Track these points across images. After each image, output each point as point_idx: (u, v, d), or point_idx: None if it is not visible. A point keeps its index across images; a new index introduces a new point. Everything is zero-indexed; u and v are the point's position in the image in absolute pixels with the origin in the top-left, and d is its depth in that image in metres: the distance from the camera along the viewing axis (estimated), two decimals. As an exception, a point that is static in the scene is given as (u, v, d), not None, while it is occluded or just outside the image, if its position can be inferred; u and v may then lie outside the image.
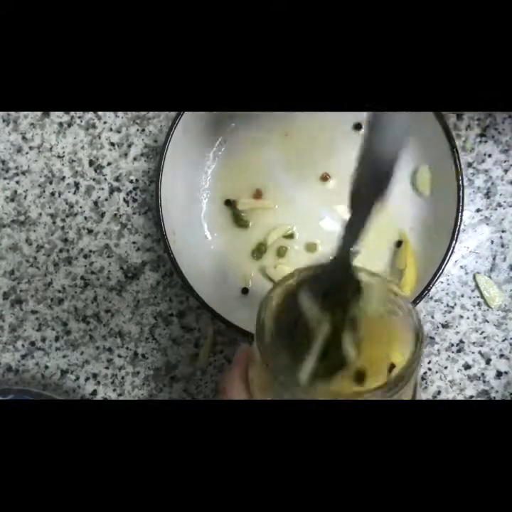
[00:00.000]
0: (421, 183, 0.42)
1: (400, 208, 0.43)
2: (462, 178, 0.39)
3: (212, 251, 0.44)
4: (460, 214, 0.39)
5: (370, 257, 0.43)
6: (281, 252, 0.44)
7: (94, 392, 0.46)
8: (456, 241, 0.39)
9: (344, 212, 0.44)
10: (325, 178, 0.44)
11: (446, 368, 0.44)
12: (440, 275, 0.39)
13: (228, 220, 0.44)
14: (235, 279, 0.44)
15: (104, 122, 0.46)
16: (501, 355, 0.43)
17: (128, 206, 0.46)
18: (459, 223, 0.39)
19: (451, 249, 0.39)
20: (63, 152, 0.46)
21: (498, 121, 0.44)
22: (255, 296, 0.44)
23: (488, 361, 0.44)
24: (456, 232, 0.39)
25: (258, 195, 0.44)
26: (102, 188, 0.46)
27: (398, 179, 0.43)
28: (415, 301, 0.39)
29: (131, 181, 0.46)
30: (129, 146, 0.46)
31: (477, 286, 0.44)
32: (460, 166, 0.39)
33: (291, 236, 0.44)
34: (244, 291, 0.44)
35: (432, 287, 0.39)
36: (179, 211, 0.42)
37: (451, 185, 0.39)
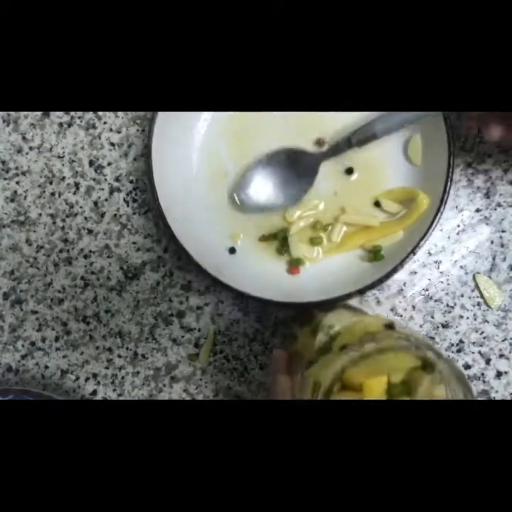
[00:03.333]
0: (413, 152, 0.42)
1: (392, 177, 0.43)
2: (454, 146, 0.39)
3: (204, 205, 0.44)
4: (449, 180, 0.39)
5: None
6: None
7: (94, 392, 0.46)
8: (444, 206, 0.39)
9: (338, 175, 0.44)
10: (320, 142, 0.44)
11: (446, 367, 0.44)
12: (425, 240, 0.39)
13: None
14: (223, 239, 0.44)
15: (104, 122, 0.46)
16: (501, 355, 0.43)
17: (128, 206, 0.46)
18: (448, 189, 0.39)
19: (439, 214, 0.39)
20: (63, 152, 0.46)
21: (497, 121, 0.44)
22: (242, 256, 0.44)
23: (488, 361, 0.44)
24: (445, 198, 0.39)
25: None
26: (102, 189, 0.46)
27: (391, 149, 0.43)
28: (401, 264, 0.39)
29: (131, 181, 0.46)
30: (129, 146, 0.46)
31: (477, 286, 0.44)
32: (452, 134, 0.39)
33: None
34: (232, 251, 0.44)
35: (417, 251, 0.39)
36: (170, 175, 0.43)
37: (442, 153, 0.39)
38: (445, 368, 0.29)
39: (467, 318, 0.44)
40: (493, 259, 0.44)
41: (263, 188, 0.44)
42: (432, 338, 0.44)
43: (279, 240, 0.44)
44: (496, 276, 0.44)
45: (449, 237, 0.44)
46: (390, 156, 0.43)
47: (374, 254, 0.42)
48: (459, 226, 0.44)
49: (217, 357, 0.45)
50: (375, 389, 0.30)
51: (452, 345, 0.44)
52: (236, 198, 0.44)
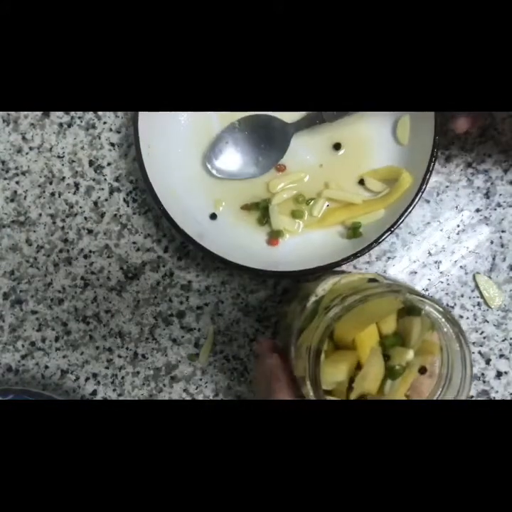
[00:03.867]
0: (401, 132, 0.43)
1: (379, 156, 0.43)
2: (441, 127, 0.40)
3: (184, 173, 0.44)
4: (433, 159, 0.40)
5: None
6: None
7: (94, 392, 0.46)
8: (426, 184, 0.40)
9: (326, 149, 0.44)
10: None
11: (446, 367, 0.44)
12: (404, 218, 0.40)
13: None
14: (205, 205, 0.44)
15: (104, 122, 0.46)
16: (501, 355, 0.43)
17: (128, 206, 0.46)
18: (431, 168, 0.39)
19: (421, 192, 0.39)
20: (63, 152, 0.46)
21: (497, 121, 0.44)
22: (223, 224, 0.44)
23: (488, 361, 0.44)
24: (427, 177, 0.39)
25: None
26: (102, 189, 0.46)
27: (380, 128, 0.43)
28: (377, 241, 0.40)
29: (131, 181, 0.46)
30: (129, 146, 0.46)
31: (477, 286, 0.44)
32: (440, 115, 0.40)
33: None
34: (213, 216, 0.44)
35: (395, 229, 0.39)
36: (157, 126, 0.42)
37: (429, 133, 0.40)
38: (431, 310, 0.28)
39: (467, 318, 0.44)
40: (493, 259, 0.44)
41: (233, 155, 0.44)
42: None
43: (261, 210, 0.44)
44: (495, 276, 0.44)
45: (449, 237, 0.44)
46: (379, 135, 0.43)
47: (353, 231, 0.42)
48: (458, 226, 0.44)
49: (217, 357, 0.45)
50: (367, 342, 0.29)
51: (452, 345, 0.44)
52: (208, 166, 0.44)
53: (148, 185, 0.41)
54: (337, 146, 0.44)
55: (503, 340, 0.43)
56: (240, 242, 0.43)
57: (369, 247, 0.40)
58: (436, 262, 0.44)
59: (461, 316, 0.44)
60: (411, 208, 0.39)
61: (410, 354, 0.29)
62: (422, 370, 0.31)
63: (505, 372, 0.43)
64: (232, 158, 0.44)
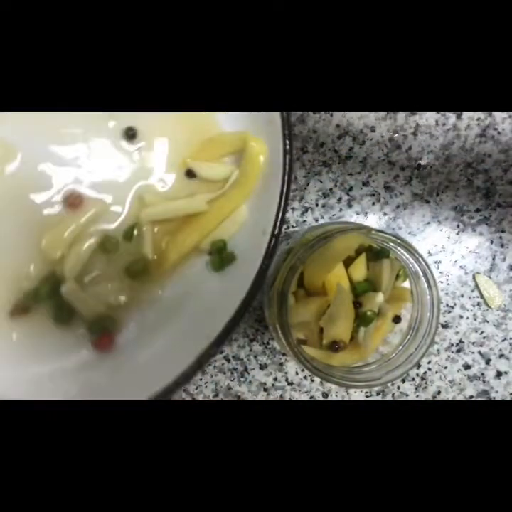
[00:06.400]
0: None
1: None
2: None
3: None
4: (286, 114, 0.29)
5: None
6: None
7: (94, 393, 0.46)
8: (290, 156, 0.27)
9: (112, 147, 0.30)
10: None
11: (446, 368, 0.44)
12: (284, 210, 0.27)
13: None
14: None
15: (104, 122, 0.46)
16: (501, 355, 0.43)
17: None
18: (287, 132, 0.28)
19: (287, 166, 0.27)
20: (63, 152, 0.46)
21: (497, 121, 0.44)
22: None
23: (487, 361, 0.44)
24: (286, 145, 0.27)
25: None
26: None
27: None
28: (263, 267, 0.27)
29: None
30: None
31: (477, 286, 0.44)
32: None
33: None
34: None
35: (280, 233, 0.28)
36: None
37: None
38: (395, 246, 0.28)
39: (467, 318, 0.44)
40: (493, 259, 0.44)
41: None
42: (432, 338, 0.44)
43: (53, 307, 0.27)
44: (495, 276, 0.44)
45: (448, 237, 0.44)
46: None
47: (218, 257, 0.27)
48: (458, 226, 0.44)
49: (217, 357, 0.45)
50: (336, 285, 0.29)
51: (452, 345, 0.44)
52: None
53: None
54: (132, 136, 0.28)
55: (503, 340, 0.43)
56: None
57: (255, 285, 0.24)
58: (436, 262, 0.44)
59: (461, 316, 0.44)
60: (285, 193, 0.24)
61: (380, 297, 0.29)
62: (396, 319, 0.30)
63: (505, 372, 0.43)
64: None
